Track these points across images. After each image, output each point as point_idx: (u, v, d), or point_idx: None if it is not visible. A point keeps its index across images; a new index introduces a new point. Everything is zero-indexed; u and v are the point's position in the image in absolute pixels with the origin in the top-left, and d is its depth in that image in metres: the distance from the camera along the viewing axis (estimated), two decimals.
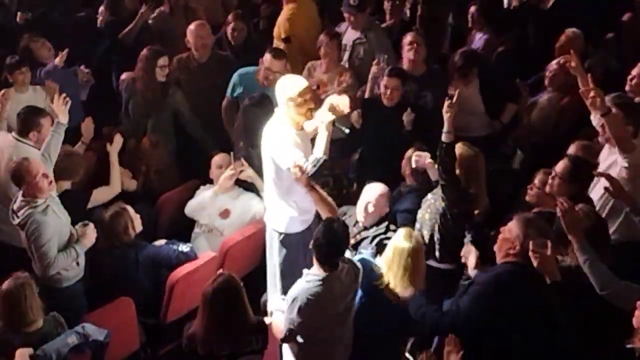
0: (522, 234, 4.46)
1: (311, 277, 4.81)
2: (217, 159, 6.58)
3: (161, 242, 6.00)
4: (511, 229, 4.55)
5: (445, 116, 5.15)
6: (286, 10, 7.90)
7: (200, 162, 6.89)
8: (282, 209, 5.51)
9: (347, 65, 7.39)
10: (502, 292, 4.45)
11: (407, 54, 6.83)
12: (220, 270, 5.09)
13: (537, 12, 7.95)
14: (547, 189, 5.26)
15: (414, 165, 5.73)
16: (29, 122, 6.08)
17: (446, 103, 5.19)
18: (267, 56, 6.85)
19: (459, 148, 5.26)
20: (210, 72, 7.21)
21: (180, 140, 7.25)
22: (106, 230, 5.75)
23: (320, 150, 5.24)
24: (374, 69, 6.82)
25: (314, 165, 5.17)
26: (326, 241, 4.73)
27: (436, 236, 5.27)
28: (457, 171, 5.21)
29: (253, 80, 6.95)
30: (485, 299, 4.48)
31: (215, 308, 4.70)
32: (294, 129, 5.37)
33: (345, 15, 7.46)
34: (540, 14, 7.91)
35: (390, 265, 4.88)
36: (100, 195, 6.20)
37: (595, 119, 5.80)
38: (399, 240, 4.90)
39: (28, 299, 4.81)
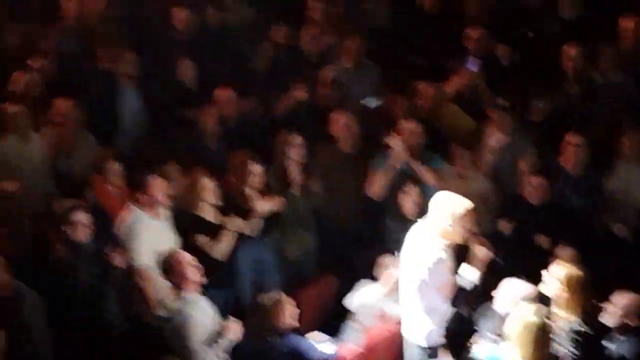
0: None
1: None
2: (386, 260, 6.38)
3: (315, 334, 6.10)
4: None
5: None
6: None
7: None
8: (424, 322, 5.66)
9: None
10: None
11: (570, 154, 7.20)
12: None
13: None
14: None
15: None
16: None
17: None
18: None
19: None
20: None
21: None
22: (263, 316, 5.79)
23: (476, 276, 5.61)
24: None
25: (471, 291, 5.61)
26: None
27: None
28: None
29: None
30: None
31: None
32: (445, 241, 5.52)
33: None
34: None
35: (521, 341, 4.79)
36: None
37: None
38: (528, 314, 4.86)
39: None
